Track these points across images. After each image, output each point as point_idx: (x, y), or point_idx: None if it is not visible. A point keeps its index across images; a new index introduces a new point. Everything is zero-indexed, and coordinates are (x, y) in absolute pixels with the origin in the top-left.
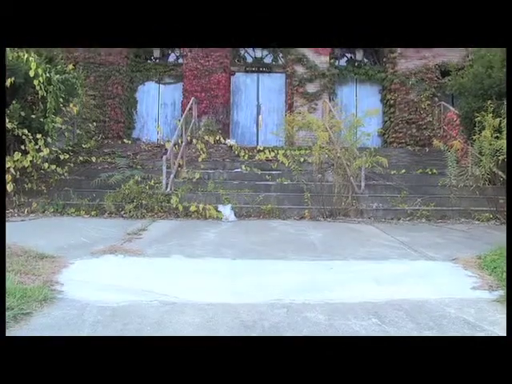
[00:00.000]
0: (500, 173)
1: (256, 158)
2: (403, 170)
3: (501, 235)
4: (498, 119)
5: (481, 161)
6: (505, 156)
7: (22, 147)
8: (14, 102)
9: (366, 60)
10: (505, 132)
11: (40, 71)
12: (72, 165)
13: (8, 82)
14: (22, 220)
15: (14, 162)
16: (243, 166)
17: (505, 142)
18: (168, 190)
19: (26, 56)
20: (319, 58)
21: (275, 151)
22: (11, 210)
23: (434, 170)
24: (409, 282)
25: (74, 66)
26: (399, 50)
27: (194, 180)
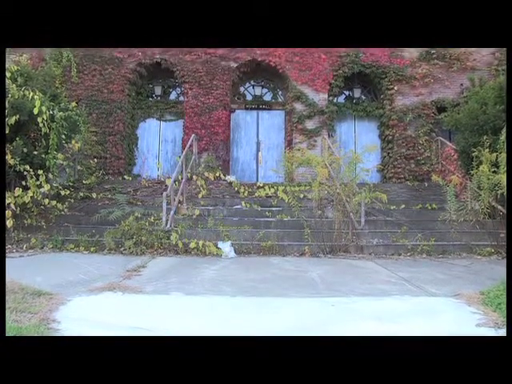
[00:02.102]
0: (499, 207)
1: (256, 194)
2: (403, 205)
3: (503, 270)
4: (495, 154)
5: (480, 195)
6: (503, 190)
7: (23, 183)
8: (17, 138)
9: (363, 97)
10: (502, 167)
11: (44, 109)
12: (72, 201)
13: (13, 119)
14: (21, 256)
15: (15, 197)
16: (243, 203)
17: (503, 176)
18: (168, 226)
19: (31, 94)
20: (318, 95)
21: (275, 187)
22: (9, 246)
23: (434, 205)
24: (411, 320)
25: (76, 103)
26: (396, 87)
27: (194, 216)
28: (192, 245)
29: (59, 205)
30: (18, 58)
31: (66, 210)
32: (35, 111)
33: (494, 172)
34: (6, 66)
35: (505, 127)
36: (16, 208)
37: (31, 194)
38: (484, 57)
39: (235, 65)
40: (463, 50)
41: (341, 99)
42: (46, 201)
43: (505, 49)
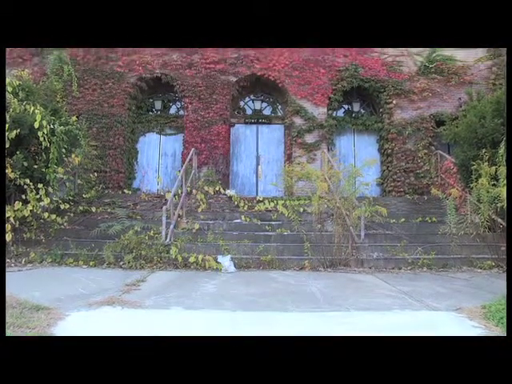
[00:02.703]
0: (499, 220)
1: (256, 208)
2: (403, 219)
3: (504, 284)
4: (494, 167)
5: (479, 208)
6: (503, 203)
7: (23, 196)
8: (17, 152)
9: (362, 111)
10: (501, 180)
11: (44, 123)
12: (72, 214)
13: (13, 133)
14: (19, 270)
15: (15, 211)
16: (243, 217)
17: (503, 189)
18: (167, 240)
19: (32, 109)
20: (317, 109)
21: (275, 201)
22: (8, 260)
23: (434, 219)
24: (412, 334)
25: (77, 117)
26: (395, 101)
27: (194, 231)
28: (191, 259)
29: (59, 219)
30: (19, 73)
31: (65, 223)
32: (36, 125)
33: (493, 185)
34: (8, 81)
35: (503, 141)
36: (15, 222)
37: (31, 208)
38: (481, 71)
39: (235, 79)
40: (461, 64)
41: (340, 113)
42: (46, 215)
43: (500, 65)
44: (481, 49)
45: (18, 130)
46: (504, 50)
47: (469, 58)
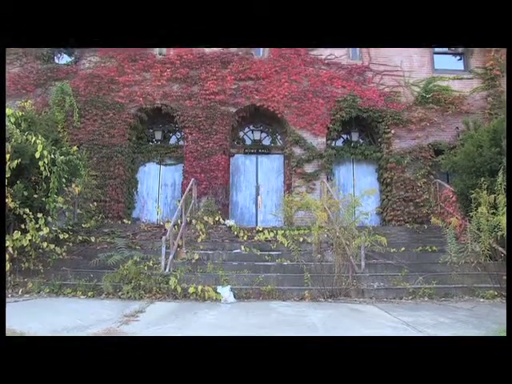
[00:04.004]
0: (500, 249)
1: (255, 238)
2: (403, 248)
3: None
4: (493, 196)
5: (480, 237)
6: (503, 232)
7: (22, 226)
8: (18, 181)
9: (361, 140)
10: (501, 208)
11: (45, 153)
12: (71, 244)
13: (15, 163)
14: (16, 301)
15: (13, 241)
16: (242, 247)
17: (502, 218)
18: (167, 270)
19: (33, 139)
20: (316, 139)
21: (274, 231)
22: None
23: (434, 247)
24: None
25: (78, 147)
26: (393, 130)
27: (193, 261)
28: (191, 289)
29: (57, 248)
30: (23, 104)
31: (64, 253)
32: (37, 155)
33: (493, 214)
34: (12, 111)
35: (501, 169)
36: (13, 251)
37: (30, 238)
38: (477, 101)
39: (234, 110)
40: (457, 94)
41: (339, 143)
42: (45, 244)
43: (495, 95)
44: (476, 79)
45: (20, 160)
46: (498, 81)
47: (465, 88)
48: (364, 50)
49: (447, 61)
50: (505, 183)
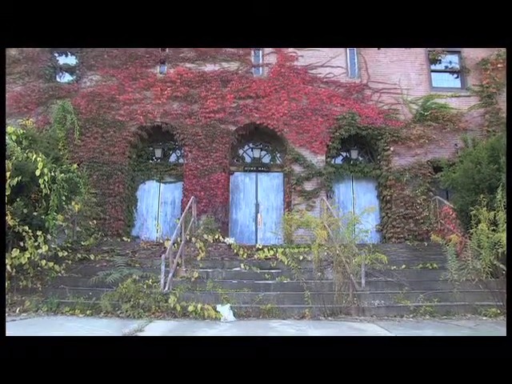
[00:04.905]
0: (501, 266)
1: (255, 256)
2: (403, 266)
3: None
4: (493, 212)
5: (480, 254)
6: (504, 249)
7: (21, 243)
8: (17, 199)
9: (360, 158)
10: (501, 225)
11: (46, 170)
12: (70, 262)
13: (15, 180)
14: (13, 320)
15: (12, 258)
16: (242, 265)
17: (503, 235)
18: (166, 289)
19: (34, 156)
20: (316, 157)
21: (274, 249)
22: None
23: (435, 265)
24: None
25: (78, 165)
26: (392, 148)
27: (193, 279)
28: (190, 308)
29: (56, 266)
30: (24, 122)
31: (63, 271)
32: (37, 173)
33: (493, 230)
34: (13, 129)
35: (500, 186)
36: (12, 269)
37: (28, 255)
38: (475, 118)
39: (234, 128)
40: (455, 111)
41: (338, 160)
42: (43, 262)
43: (493, 112)
44: (473, 97)
45: (20, 178)
46: (495, 99)
47: (462, 105)
48: (362, 68)
49: (444, 79)
50: (504, 200)
